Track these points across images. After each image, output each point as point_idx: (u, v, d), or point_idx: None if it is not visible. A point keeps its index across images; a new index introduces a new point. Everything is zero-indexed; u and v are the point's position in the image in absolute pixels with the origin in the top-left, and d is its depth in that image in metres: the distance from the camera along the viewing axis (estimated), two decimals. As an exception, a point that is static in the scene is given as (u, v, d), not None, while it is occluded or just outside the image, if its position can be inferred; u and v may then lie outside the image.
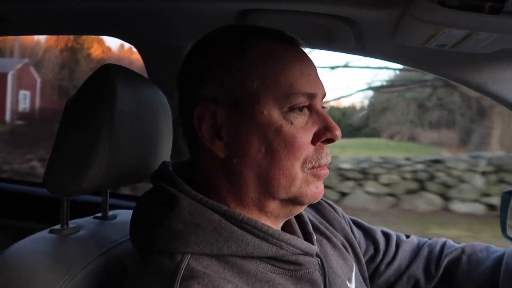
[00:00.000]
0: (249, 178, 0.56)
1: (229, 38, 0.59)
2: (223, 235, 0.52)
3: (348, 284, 0.68)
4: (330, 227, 0.76)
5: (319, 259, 0.61)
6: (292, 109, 0.55)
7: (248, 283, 0.52)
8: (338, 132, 0.57)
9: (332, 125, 0.57)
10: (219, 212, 0.53)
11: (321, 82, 0.60)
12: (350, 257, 0.74)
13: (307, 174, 0.56)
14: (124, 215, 0.87)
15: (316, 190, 0.58)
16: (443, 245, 0.83)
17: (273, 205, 0.57)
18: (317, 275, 0.59)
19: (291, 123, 0.55)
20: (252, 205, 0.57)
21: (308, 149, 0.56)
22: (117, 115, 0.66)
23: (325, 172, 0.58)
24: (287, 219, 0.62)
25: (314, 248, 0.58)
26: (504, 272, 0.74)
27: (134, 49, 1.13)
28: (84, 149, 0.66)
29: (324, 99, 0.62)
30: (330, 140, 0.57)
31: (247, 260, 0.53)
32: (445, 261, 0.79)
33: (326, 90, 0.61)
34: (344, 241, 0.76)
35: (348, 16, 0.78)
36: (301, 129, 0.56)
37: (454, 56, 0.84)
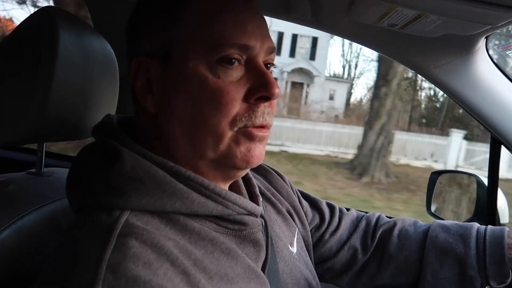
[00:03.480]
0: (177, 136, 0.54)
1: None
2: (167, 191, 0.50)
3: (290, 247, 0.70)
4: (278, 194, 0.77)
5: (263, 220, 0.61)
6: (220, 61, 0.52)
7: (191, 241, 0.51)
8: (275, 90, 0.53)
9: (268, 81, 0.53)
10: (165, 168, 0.52)
11: (263, 35, 0.56)
12: (294, 224, 0.76)
13: (237, 133, 0.53)
14: (61, 173, 0.83)
15: (247, 152, 0.54)
16: (378, 218, 0.87)
17: (204, 166, 0.55)
18: (260, 235, 0.59)
19: (218, 76, 0.52)
20: (186, 164, 0.55)
21: (238, 106, 0.53)
22: (59, 63, 0.62)
23: (260, 133, 0.54)
24: (228, 182, 0.61)
25: (259, 209, 0.58)
26: (428, 243, 0.79)
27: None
28: (19, 95, 0.61)
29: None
30: (266, 98, 0.54)
31: (191, 218, 0.52)
32: (379, 233, 0.83)
33: (273, 44, 0.57)
34: (290, 208, 0.78)
35: (307, -14, 0.78)
36: (231, 84, 0.52)
37: (402, 38, 0.88)
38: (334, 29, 0.96)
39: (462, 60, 0.90)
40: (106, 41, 0.77)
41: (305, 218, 0.80)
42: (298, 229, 0.77)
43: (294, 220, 0.77)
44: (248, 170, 0.62)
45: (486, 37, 0.88)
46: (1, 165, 0.69)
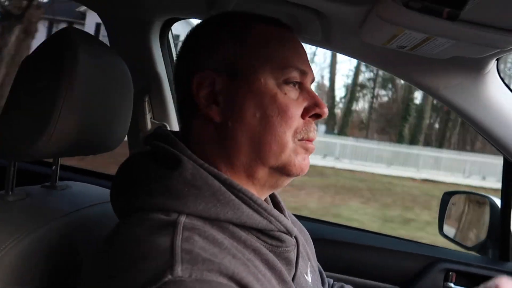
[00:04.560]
0: (242, 142, 0.59)
1: (233, 19, 0.65)
2: (222, 201, 0.54)
3: (306, 276, 0.71)
4: (297, 225, 0.79)
5: (295, 240, 0.64)
6: (286, 82, 0.60)
7: (237, 249, 0.54)
8: (326, 109, 0.62)
9: (320, 102, 0.62)
10: (219, 179, 0.56)
11: (311, 66, 0.64)
12: (307, 258, 0.76)
13: (297, 144, 0.60)
14: (76, 186, 0.85)
15: (303, 162, 0.61)
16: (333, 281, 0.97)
17: (262, 172, 0.60)
18: (293, 255, 0.62)
19: (285, 93, 0.59)
20: (242, 171, 0.60)
21: (298, 121, 0.60)
22: (77, 82, 0.64)
23: (312, 146, 0.62)
24: (271, 191, 0.65)
25: (295, 229, 0.61)
26: None
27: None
28: (39, 113, 0.64)
29: None
30: (318, 116, 0.62)
31: (239, 228, 0.56)
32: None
33: (314, 76, 0.66)
34: (304, 241, 0.78)
35: (318, 8, 0.80)
36: (293, 101, 0.60)
37: (411, 59, 0.88)
38: (344, 50, 0.98)
39: (472, 81, 0.90)
40: (121, 59, 0.80)
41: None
42: (311, 262, 0.77)
43: (307, 254, 0.78)
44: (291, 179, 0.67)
45: (497, 59, 0.88)
46: (17, 177, 0.71)
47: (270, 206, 0.58)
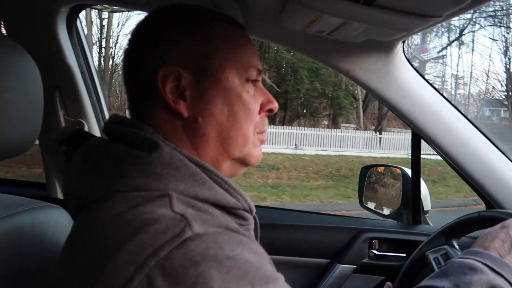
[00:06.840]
0: (211, 136, 0.62)
1: (196, 14, 0.65)
2: (199, 181, 0.57)
3: None
4: None
5: (255, 220, 0.68)
6: (247, 80, 0.64)
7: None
8: (277, 105, 0.69)
9: (272, 98, 0.68)
10: (193, 162, 0.58)
11: None
12: None
13: (255, 137, 0.66)
14: None
15: (259, 153, 0.68)
16: None
17: (225, 164, 0.65)
18: (253, 233, 0.66)
19: (248, 91, 0.64)
20: (209, 163, 0.63)
21: (257, 116, 0.66)
22: None
23: (265, 138, 0.70)
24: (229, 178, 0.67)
25: (254, 208, 0.65)
26: None
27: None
28: None
29: None
30: (270, 111, 0.69)
31: (214, 207, 0.58)
32: None
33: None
34: None
35: (237, -7, 0.79)
36: (253, 98, 0.65)
37: (330, 43, 0.92)
38: (265, 35, 0.99)
39: (383, 63, 0.97)
40: (25, 50, 0.72)
41: None
42: None
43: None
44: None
45: (403, 42, 0.96)
46: None
47: (238, 186, 0.62)
